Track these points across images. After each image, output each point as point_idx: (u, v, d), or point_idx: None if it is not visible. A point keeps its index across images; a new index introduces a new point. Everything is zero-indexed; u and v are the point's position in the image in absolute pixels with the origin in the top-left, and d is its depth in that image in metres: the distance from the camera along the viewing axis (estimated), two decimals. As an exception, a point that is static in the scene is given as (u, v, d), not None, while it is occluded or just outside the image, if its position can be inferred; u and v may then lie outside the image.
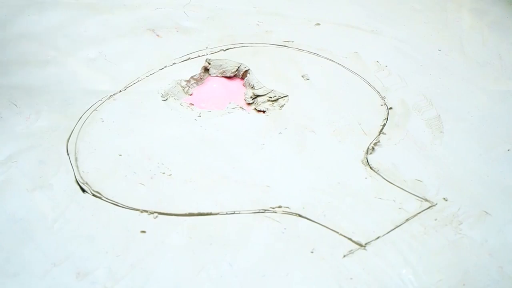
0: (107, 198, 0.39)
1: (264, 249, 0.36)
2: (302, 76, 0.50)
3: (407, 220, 0.37)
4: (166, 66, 0.51)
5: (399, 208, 0.38)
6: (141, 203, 0.38)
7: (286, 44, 0.54)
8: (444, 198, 0.39)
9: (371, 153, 0.42)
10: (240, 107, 0.47)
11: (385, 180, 0.40)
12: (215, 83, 0.50)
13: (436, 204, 0.38)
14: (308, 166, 0.41)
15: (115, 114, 0.46)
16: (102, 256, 0.35)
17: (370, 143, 0.43)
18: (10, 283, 0.33)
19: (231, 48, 0.53)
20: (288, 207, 0.38)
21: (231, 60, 0.51)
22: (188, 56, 0.52)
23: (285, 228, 0.37)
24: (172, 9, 0.60)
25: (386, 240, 0.36)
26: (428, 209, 0.38)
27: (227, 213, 0.38)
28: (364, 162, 0.42)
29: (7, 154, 0.42)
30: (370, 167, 0.41)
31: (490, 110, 0.47)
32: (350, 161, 0.42)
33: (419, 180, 0.40)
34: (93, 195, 0.39)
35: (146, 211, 0.38)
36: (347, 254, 0.35)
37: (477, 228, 0.37)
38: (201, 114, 0.46)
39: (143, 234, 0.36)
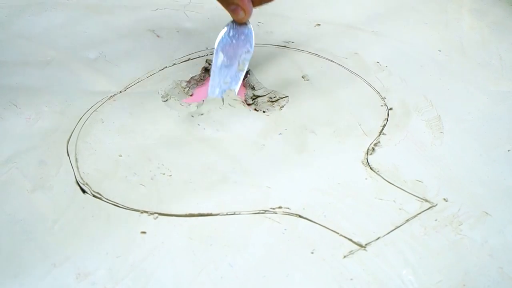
0: (107, 199, 0.39)
1: (265, 249, 0.36)
2: (303, 77, 0.50)
3: (407, 220, 0.37)
4: (166, 67, 0.51)
5: (400, 209, 0.38)
6: (141, 203, 0.38)
7: (287, 44, 0.54)
8: (444, 199, 0.39)
9: (371, 154, 0.42)
10: (241, 108, 0.47)
11: (385, 181, 0.40)
12: (215, 84, 0.50)
13: (437, 204, 0.38)
14: (308, 166, 0.42)
15: (115, 115, 0.46)
16: (102, 257, 0.35)
17: (370, 144, 0.43)
18: (10, 283, 0.33)
19: (231, 49, 0.53)
20: (288, 208, 0.38)
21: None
22: (188, 57, 0.52)
23: (285, 229, 0.37)
24: (172, 9, 0.60)
25: (387, 240, 0.36)
26: (429, 210, 0.38)
27: (227, 214, 0.38)
28: (364, 163, 0.42)
29: (7, 155, 0.42)
30: (371, 168, 0.41)
31: (491, 110, 0.47)
32: (350, 161, 0.42)
33: (419, 181, 0.40)
34: (93, 195, 0.39)
35: (146, 211, 0.38)
36: (348, 255, 0.35)
37: (478, 228, 0.37)
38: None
39: (144, 234, 0.36)
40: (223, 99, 0.45)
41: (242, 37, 0.49)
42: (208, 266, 0.34)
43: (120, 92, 0.48)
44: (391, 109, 0.47)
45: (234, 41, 0.49)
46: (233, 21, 0.50)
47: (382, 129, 0.45)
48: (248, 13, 0.49)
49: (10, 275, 0.34)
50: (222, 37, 0.49)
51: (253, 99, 0.48)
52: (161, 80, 0.50)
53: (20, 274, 0.34)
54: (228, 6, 0.48)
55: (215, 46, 0.49)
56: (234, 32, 0.49)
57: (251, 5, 0.49)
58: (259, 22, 0.58)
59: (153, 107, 0.47)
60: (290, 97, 0.48)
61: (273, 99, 0.47)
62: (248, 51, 0.49)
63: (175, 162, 0.42)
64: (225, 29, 0.50)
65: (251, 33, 0.49)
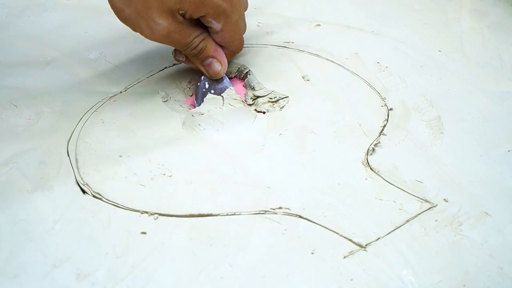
0: (107, 199, 0.39)
1: (265, 250, 0.36)
2: (303, 77, 0.50)
3: (407, 221, 0.37)
4: (166, 67, 0.51)
5: (400, 209, 0.38)
6: (142, 204, 0.38)
7: (287, 45, 0.54)
8: (444, 199, 0.39)
9: (371, 154, 0.42)
10: (241, 108, 0.47)
11: (385, 181, 0.40)
12: (215, 84, 0.50)
13: (437, 205, 0.38)
14: (308, 167, 0.42)
15: (115, 115, 0.46)
16: (102, 257, 0.35)
17: (371, 144, 0.43)
18: (10, 284, 0.33)
19: (231, 49, 0.53)
20: (288, 208, 0.38)
21: (232, 61, 0.51)
22: (188, 57, 0.52)
23: (285, 229, 0.37)
24: (172, 10, 0.60)
25: (387, 241, 0.36)
26: (429, 210, 0.38)
27: (227, 214, 0.38)
28: (365, 163, 0.42)
29: (8, 155, 0.42)
30: (371, 168, 0.41)
31: (491, 111, 0.47)
32: (350, 162, 0.42)
33: (419, 181, 0.40)
34: (94, 196, 0.39)
35: (146, 212, 0.38)
36: (348, 255, 0.35)
37: (477, 229, 0.37)
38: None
39: (144, 235, 0.36)
40: (223, 98, 0.45)
41: (219, 87, 0.47)
42: (208, 266, 0.34)
43: (120, 92, 0.48)
44: (391, 109, 0.46)
45: (212, 92, 0.47)
46: (205, 78, 0.47)
47: (382, 129, 0.45)
48: (224, 65, 0.46)
49: (10, 275, 0.34)
50: (199, 94, 0.47)
51: (253, 99, 0.48)
52: (161, 80, 0.50)
53: (20, 274, 0.34)
54: (202, 62, 0.46)
55: (195, 101, 0.47)
56: (208, 85, 0.47)
57: (225, 57, 0.46)
58: (259, 23, 0.58)
59: (153, 107, 0.47)
60: (290, 97, 0.48)
61: (273, 100, 0.47)
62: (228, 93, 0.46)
63: (175, 162, 0.42)
64: (199, 86, 0.47)
65: (227, 80, 0.48)
